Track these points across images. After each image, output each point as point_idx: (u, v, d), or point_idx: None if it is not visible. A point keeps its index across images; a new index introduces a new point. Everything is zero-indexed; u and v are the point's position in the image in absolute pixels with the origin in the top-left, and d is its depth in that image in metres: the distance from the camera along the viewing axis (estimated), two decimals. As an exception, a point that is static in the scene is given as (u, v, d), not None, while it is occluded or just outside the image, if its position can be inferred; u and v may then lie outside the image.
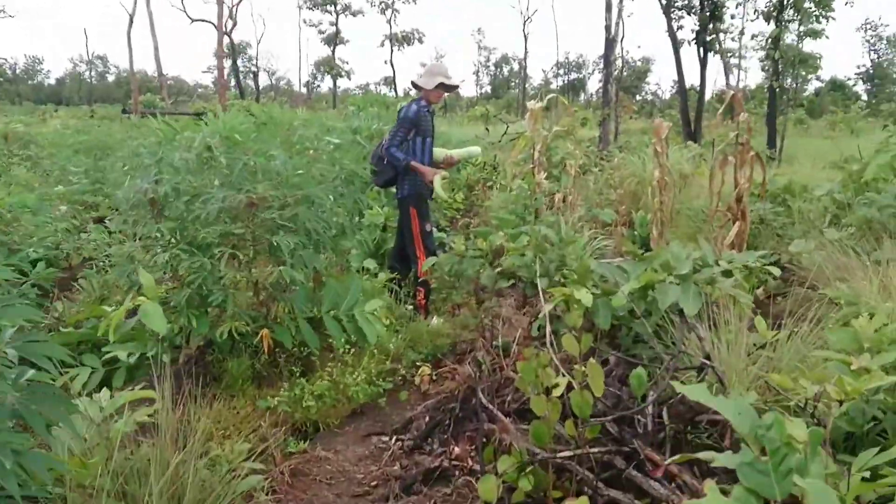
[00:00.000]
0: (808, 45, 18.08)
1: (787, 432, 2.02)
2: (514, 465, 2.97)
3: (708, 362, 3.01)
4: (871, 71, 74.02)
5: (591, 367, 2.98)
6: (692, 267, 3.97)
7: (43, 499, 2.37)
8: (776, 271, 4.96)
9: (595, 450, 2.94)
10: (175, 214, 3.97)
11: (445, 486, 3.36)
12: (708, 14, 21.47)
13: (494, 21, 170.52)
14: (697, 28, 21.49)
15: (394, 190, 7.73)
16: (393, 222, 7.01)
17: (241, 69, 66.77)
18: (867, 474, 2.16)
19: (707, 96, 24.95)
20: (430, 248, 5.84)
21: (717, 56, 24.02)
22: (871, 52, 74.59)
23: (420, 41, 61.07)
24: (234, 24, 41.68)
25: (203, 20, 39.87)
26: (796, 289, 5.89)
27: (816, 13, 18.34)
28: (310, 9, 59.59)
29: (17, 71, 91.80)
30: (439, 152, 6.25)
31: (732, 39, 30.44)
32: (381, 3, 57.61)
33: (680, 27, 22.21)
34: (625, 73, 42.27)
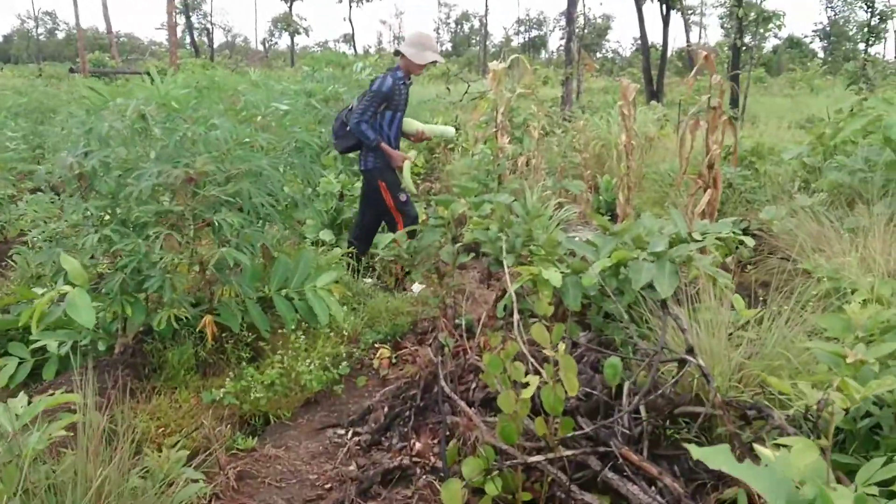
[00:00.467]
0: (770, 3, 17.82)
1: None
2: (481, 469, 2.71)
3: (692, 359, 2.76)
4: (828, 28, 74.36)
5: (564, 361, 2.71)
6: (667, 243, 3.72)
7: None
8: (750, 241, 4.76)
9: (569, 452, 2.69)
10: (105, 191, 3.60)
11: (406, 488, 3.10)
12: (670, -30, 21.18)
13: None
14: (660, -16, 21.19)
15: (353, 156, 7.40)
16: (349, 191, 6.66)
17: (196, 26, 64.95)
18: (874, 490, 1.94)
19: (668, 54, 24.74)
20: (410, 215, 5.53)
21: (678, 13, 23.74)
22: (828, 10, 74.77)
23: (379, -3, 59.89)
24: (186, -21, 40.24)
25: (153, -26, 38.40)
26: (768, 258, 5.72)
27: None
28: (265, -37, 57.90)
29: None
30: (410, 123, 5.81)
31: (694, -4, 30.14)
32: (338, -42, 56.19)
33: (642, -17, 21.85)
34: (585, 31, 41.85)
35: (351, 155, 7.30)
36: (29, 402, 2.62)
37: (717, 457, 1.55)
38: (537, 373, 3.00)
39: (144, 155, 3.75)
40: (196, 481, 2.77)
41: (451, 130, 6.14)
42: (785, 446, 1.82)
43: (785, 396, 2.73)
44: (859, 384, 2.14)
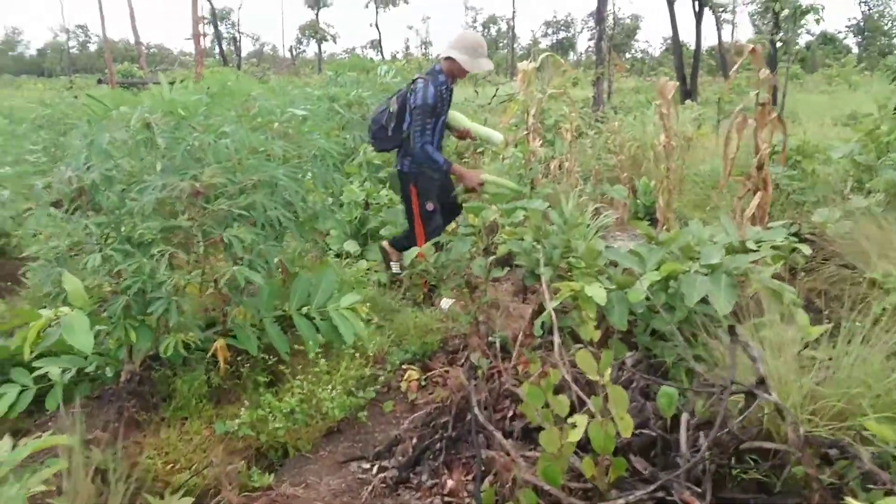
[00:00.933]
0: (804, -2, 17.33)
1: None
2: (522, 520, 2.39)
3: (767, 396, 2.40)
4: (862, 24, 73.08)
5: (615, 394, 2.38)
6: (722, 254, 3.36)
7: None
8: (806, 249, 4.37)
9: (622, 502, 2.34)
10: (108, 207, 3.33)
11: (437, 534, 2.77)
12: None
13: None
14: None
15: (379, 161, 7.10)
16: (375, 199, 6.37)
17: (224, 35, 65.32)
18: None
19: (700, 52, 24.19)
20: (433, 226, 5.19)
21: (710, 11, 23.19)
22: (862, 4, 73.45)
23: (406, 1, 59.80)
24: (214, -11, 40.35)
25: (181, -15, 38.56)
26: (823, 265, 5.31)
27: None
28: (291, -29, 58.13)
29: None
30: (457, 119, 5.39)
31: (725, -7, 29.51)
32: (364, -36, 56.25)
33: (673, -19, 21.34)
34: (615, 31, 41.33)
35: (377, 161, 7.03)
36: (15, 446, 2.35)
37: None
38: (582, 404, 2.68)
39: (150, 167, 3.47)
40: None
41: (498, 136, 5.60)
42: None
43: (870, 433, 2.37)
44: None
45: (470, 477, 3.03)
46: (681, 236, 3.92)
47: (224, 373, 3.58)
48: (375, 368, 4.07)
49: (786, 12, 18.43)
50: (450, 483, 3.01)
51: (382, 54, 54.35)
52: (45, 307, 3.91)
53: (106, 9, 30.05)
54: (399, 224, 6.07)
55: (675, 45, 21.50)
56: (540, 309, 4.16)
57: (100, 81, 28.15)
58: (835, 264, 5.05)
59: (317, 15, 61.71)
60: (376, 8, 57.93)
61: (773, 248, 4.10)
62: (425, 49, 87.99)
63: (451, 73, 5.03)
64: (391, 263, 5.40)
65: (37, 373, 3.51)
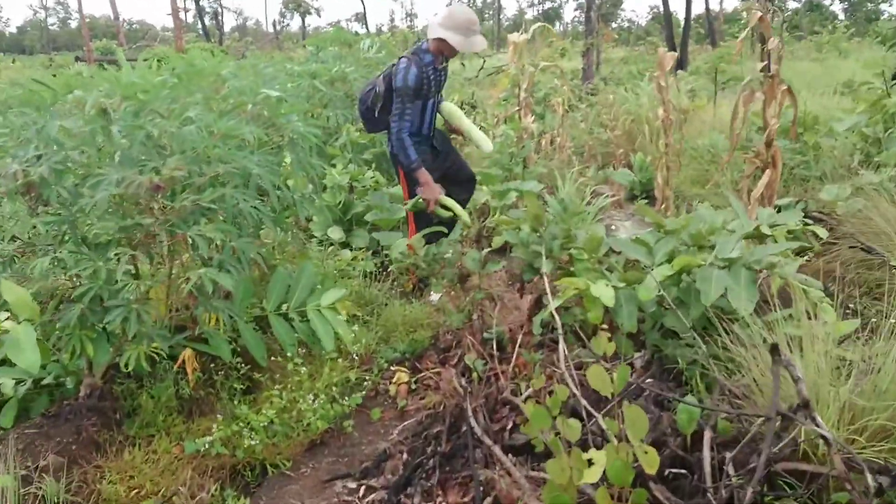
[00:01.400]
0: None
1: None
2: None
3: (819, 429, 2.09)
4: (850, -13, 72.52)
5: (634, 418, 2.08)
6: (741, 245, 3.05)
7: None
8: (822, 232, 4.08)
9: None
10: (59, 204, 2.98)
11: (432, 569, 2.48)
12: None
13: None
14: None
15: (365, 141, 6.73)
16: (359, 182, 6.02)
17: (207, 10, 64.12)
18: None
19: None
20: (424, 215, 4.83)
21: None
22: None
23: (389, -26, 58.70)
24: (193, -38, 39.49)
25: (159, -42, 37.64)
26: (833, 246, 5.01)
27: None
28: (273, -57, 57.05)
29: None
30: (456, 116, 4.89)
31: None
32: (346, -65, 55.17)
33: (662, -53, 20.79)
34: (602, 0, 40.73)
35: (362, 140, 6.68)
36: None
37: None
38: (590, 417, 2.38)
39: (107, 158, 3.13)
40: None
41: (488, 146, 5.06)
42: None
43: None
44: None
45: (467, 499, 2.73)
46: (691, 223, 3.61)
47: (194, 384, 3.26)
48: (361, 370, 3.77)
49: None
50: (445, 507, 2.72)
51: (367, 27, 53.52)
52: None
53: (80, -17, 29.33)
54: (385, 209, 5.73)
55: (666, 14, 21.10)
56: (538, 303, 3.85)
57: (78, 59, 27.45)
58: (847, 245, 4.75)
59: (300, -12, 60.66)
60: (360, -20, 56.94)
61: (789, 231, 3.81)
62: (410, 21, 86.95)
63: (441, 52, 4.55)
64: (432, 296, 4.74)
65: (-9, 386, 3.19)
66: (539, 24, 7.63)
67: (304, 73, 7.06)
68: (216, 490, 2.88)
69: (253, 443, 3.03)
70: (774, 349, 2.20)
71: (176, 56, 3.81)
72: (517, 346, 3.68)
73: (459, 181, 5.04)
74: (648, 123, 8.82)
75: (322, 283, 3.91)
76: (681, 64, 19.18)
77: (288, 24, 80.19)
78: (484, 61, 17.95)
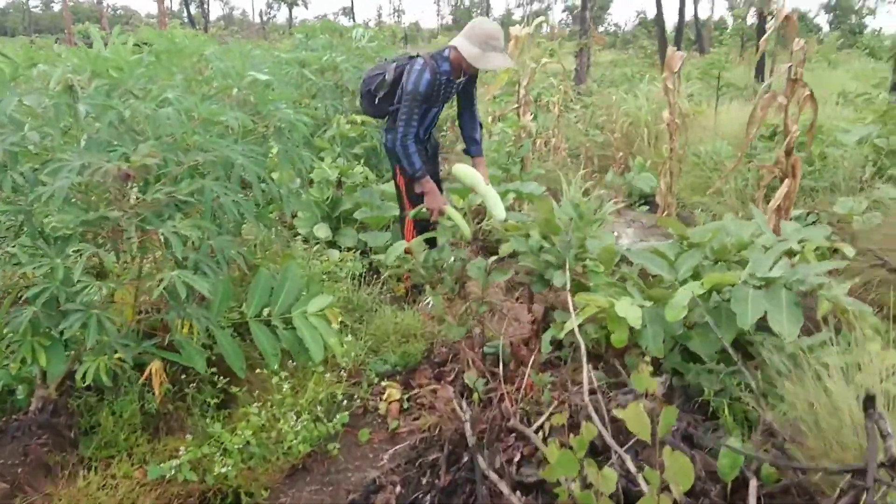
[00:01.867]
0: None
1: None
2: None
3: None
4: (834, 2, 72.91)
5: (677, 465, 1.75)
6: (782, 263, 2.74)
7: None
8: (849, 250, 3.78)
9: None
10: (12, 192, 2.62)
11: None
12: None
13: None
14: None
15: (355, 135, 6.38)
16: (349, 178, 5.67)
17: (193, -3, 63.20)
18: None
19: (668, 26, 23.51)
20: (422, 220, 4.51)
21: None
22: (833, -18, 73.20)
23: (379, -32, 58.25)
24: (180, -53, 38.76)
25: (145, -58, 36.95)
26: (854, 262, 4.72)
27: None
28: (262, -68, 56.39)
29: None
30: (464, 172, 4.31)
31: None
32: (336, -73, 54.66)
33: (656, -49, 20.53)
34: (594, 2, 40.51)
35: (352, 134, 6.32)
36: None
37: None
38: (626, 473, 2.06)
39: (74, 142, 2.77)
40: None
41: (501, 213, 4.33)
42: None
43: None
44: None
45: (470, 544, 2.41)
46: (716, 235, 3.30)
47: (162, 398, 2.89)
48: (349, 386, 3.42)
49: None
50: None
51: (354, 21, 52.99)
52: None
53: (65, -35, 28.67)
54: (375, 206, 5.39)
55: (659, 17, 20.81)
56: (544, 316, 3.53)
57: (58, 41, 26.78)
58: (868, 263, 4.47)
59: (287, -22, 60.03)
60: (349, -27, 56.43)
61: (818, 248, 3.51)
62: (398, 17, 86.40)
63: (458, 64, 4.22)
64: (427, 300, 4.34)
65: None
66: (541, 18, 7.31)
67: (293, 60, 6.69)
68: (183, 524, 2.53)
69: (226, 469, 2.68)
70: (869, 402, 1.87)
71: (156, 34, 3.44)
72: (521, 364, 3.36)
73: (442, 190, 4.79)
74: (647, 127, 8.53)
75: (307, 286, 3.57)
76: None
77: (275, 16, 79.34)
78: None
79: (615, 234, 5.93)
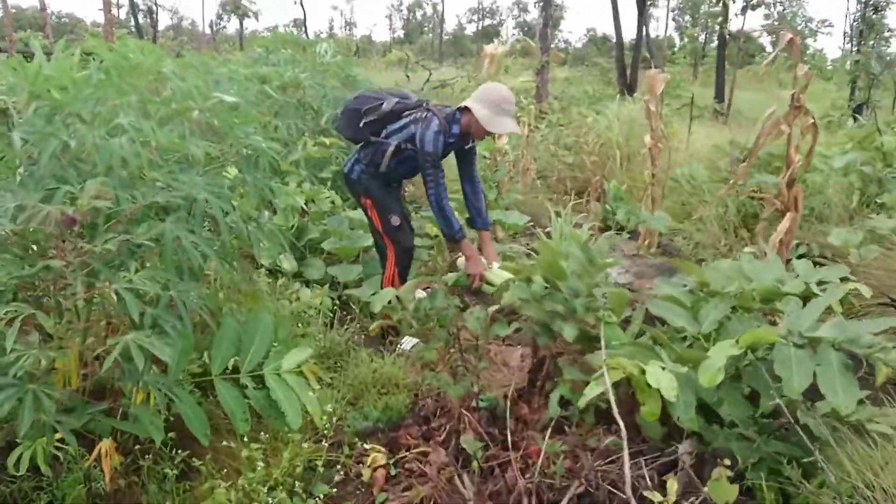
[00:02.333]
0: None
1: None
2: None
3: None
4: (777, 23, 74.73)
5: None
6: (837, 325, 2.42)
7: None
8: (866, 291, 3.52)
9: None
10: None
11: None
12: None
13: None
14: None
15: (321, 156, 5.98)
16: (316, 204, 5.26)
17: (141, 7, 61.89)
18: None
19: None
20: (403, 245, 4.18)
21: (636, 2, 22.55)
22: (778, 4, 75.06)
23: (331, -20, 57.79)
24: (127, -45, 37.85)
25: (92, -51, 35.99)
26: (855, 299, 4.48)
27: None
28: (212, -58, 55.61)
29: None
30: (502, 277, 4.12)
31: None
32: (289, -61, 54.20)
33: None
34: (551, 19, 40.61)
35: (318, 155, 5.91)
36: None
37: None
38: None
39: (6, 175, 2.35)
40: None
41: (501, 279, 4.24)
42: None
43: None
44: None
45: None
46: (731, 276, 2.99)
47: (112, 476, 2.46)
48: (328, 450, 3.01)
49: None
50: None
51: (307, 33, 52.35)
52: None
53: (7, -29, 27.57)
54: (345, 236, 5.00)
55: (618, 35, 20.77)
56: (540, 366, 3.17)
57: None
58: (875, 301, 4.22)
59: (238, -11, 59.10)
60: (301, -15, 55.92)
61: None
62: (349, 30, 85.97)
63: (468, 128, 4.05)
64: (404, 342, 4.07)
65: None
66: (517, 37, 7.00)
67: (252, 76, 6.26)
68: None
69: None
70: None
71: (106, 46, 3.02)
72: (523, 423, 3.01)
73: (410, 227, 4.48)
74: (619, 149, 8.28)
75: (276, 332, 3.17)
76: (630, 88, 18.89)
77: (224, 27, 78.17)
78: (430, 73, 17.36)
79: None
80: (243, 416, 2.75)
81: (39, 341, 2.14)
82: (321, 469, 2.82)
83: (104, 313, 2.37)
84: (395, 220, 4.11)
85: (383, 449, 3.06)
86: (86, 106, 2.57)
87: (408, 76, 18.10)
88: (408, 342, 4.03)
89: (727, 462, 2.39)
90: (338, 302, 4.45)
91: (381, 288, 4.20)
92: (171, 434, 2.72)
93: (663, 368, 2.25)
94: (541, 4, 14.51)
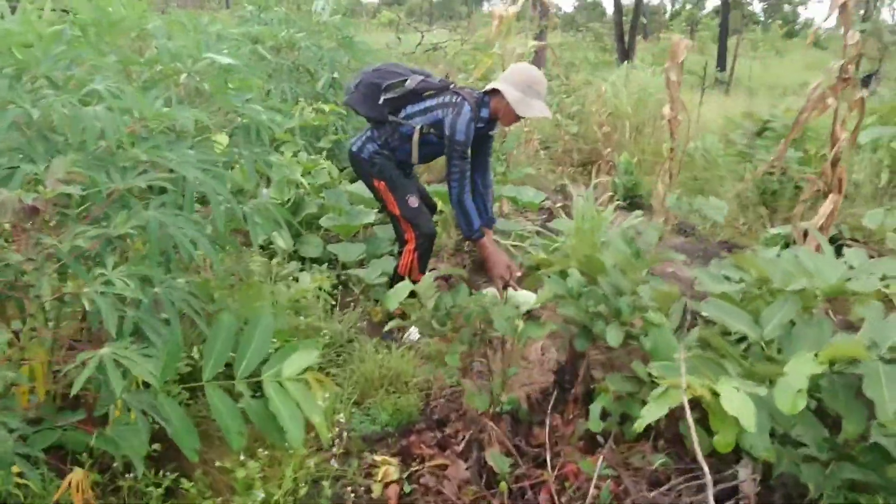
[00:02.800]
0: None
1: None
2: None
3: None
4: (771, -10, 74.10)
5: None
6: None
7: None
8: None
9: None
10: None
11: None
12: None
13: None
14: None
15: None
16: (314, 176, 4.86)
17: (122, -39, 60.30)
18: None
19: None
20: (423, 230, 3.80)
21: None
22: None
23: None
24: None
25: None
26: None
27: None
28: None
29: None
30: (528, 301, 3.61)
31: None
32: None
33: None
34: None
35: (315, 122, 5.50)
36: None
37: None
38: None
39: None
40: None
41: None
42: None
43: None
44: None
45: None
46: (793, 274, 2.65)
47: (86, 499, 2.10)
48: (333, 463, 2.67)
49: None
50: None
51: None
52: None
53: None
54: (344, 212, 4.62)
55: (617, 1, 20.22)
56: (572, 366, 2.84)
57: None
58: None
59: (225, -55, 57.78)
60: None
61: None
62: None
63: (497, 112, 3.68)
64: (411, 332, 3.78)
65: None
66: (528, -5, 6.59)
67: (244, 36, 5.82)
68: None
69: None
70: None
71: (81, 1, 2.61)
72: (551, 433, 2.68)
73: (429, 206, 4.13)
74: (628, 119, 7.90)
75: (282, 342, 2.84)
76: (627, 54, 18.42)
77: (210, -17, 76.69)
78: (422, 36, 16.82)
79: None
80: (239, 429, 2.39)
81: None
82: (328, 489, 2.48)
83: (77, 316, 2.00)
84: (414, 202, 3.73)
85: (394, 461, 2.72)
86: (56, 67, 2.18)
87: (398, 38, 17.57)
88: (415, 332, 3.69)
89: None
90: (339, 283, 4.10)
91: (396, 273, 3.85)
92: (155, 446, 2.38)
93: (737, 389, 1.91)
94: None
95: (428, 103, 3.69)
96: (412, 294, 2.82)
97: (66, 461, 2.20)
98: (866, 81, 12.73)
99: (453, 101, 3.61)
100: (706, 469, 1.72)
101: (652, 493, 2.26)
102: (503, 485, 2.41)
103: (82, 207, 2.05)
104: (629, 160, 6.84)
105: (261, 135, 2.74)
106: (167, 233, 1.99)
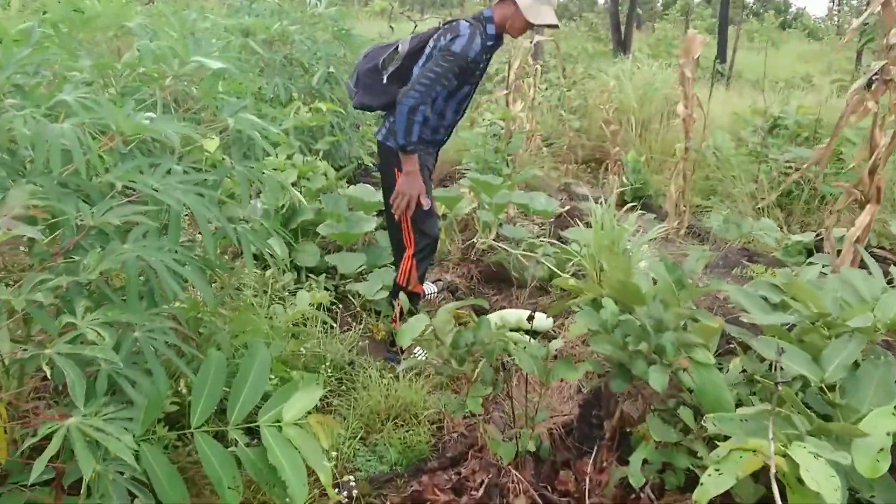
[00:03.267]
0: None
1: None
2: None
3: None
4: (768, -20, 73.93)
5: None
6: None
7: None
8: None
9: None
10: None
11: None
12: None
13: None
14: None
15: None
16: (309, 179, 4.56)
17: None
18: None
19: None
20: (429, 233, 3.51)
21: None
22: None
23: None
24: None
25: None
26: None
27: None
28: None
29: None
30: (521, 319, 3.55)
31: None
32: None
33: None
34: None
35: (312, 123, 5.20)
36: None
37: None
38: None
39: None
40: None
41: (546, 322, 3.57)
42: None
43: None
44: None
45: None
46: (849, 304, 2.38)
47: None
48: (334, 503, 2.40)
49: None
50: None
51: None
52: None
53: None
54: (343, 218, 4.33)
55: (612, -9, 19.87)
56: (599, 402, 2.57)
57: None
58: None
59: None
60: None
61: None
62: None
63: (504, 24, 3.33)
64: (416, 352, 3.43)
65: None
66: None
67: (234, 28, 5.50)
68: None
69: None
70: None
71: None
72: (578, 477, 2.41)
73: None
74: (634, 115, 7.62)
75: (268, 345, 2.55)
76: (624, 46, 18.11)
77: (199, -29, 75.89)
78: (416, 24, 16.47)
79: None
80: (232, 483, 2.11)
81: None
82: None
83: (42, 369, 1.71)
84: (427, 202, 3.39)
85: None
86: (19, 73, 1.89)
87: (391, 27, 17.23)
88: (422, 352, 3.41)
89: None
90: (337, 298, 3.82)
91: (395, 284, 3.57)
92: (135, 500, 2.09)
93: (815, 456, 1.64)
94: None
95: (427, 51, 3.37)
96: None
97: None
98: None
99: (446, 27, 3.30)
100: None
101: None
102: (532, 546, 2.14)
103: (50, 237, 1.76)
104: (637, 159, 6.57)
105: (254, 150, 2.46)
106: (150, 267, 1.71)
